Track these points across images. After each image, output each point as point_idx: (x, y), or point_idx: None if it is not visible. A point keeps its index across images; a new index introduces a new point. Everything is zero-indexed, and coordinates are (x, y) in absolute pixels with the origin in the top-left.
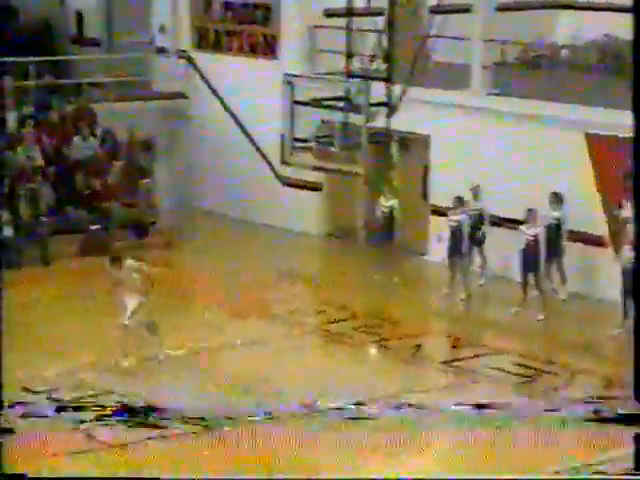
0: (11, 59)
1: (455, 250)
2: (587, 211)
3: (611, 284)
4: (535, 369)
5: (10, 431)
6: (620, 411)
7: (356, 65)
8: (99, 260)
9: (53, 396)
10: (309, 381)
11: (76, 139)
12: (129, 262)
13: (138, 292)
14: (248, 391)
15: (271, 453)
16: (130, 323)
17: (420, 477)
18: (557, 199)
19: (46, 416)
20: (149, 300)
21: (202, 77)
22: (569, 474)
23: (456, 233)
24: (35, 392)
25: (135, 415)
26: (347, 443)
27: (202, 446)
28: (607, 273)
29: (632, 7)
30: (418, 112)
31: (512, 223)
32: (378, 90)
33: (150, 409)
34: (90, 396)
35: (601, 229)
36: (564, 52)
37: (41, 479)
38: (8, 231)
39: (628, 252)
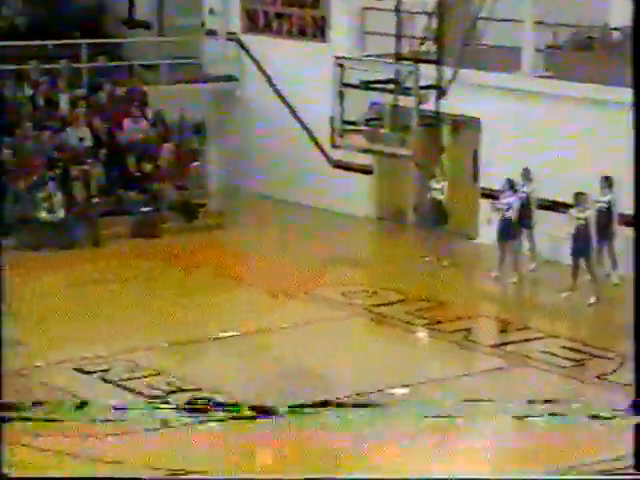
0: (64, 41)
1: (505, 233)
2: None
3: None
4: (586, 353)
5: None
6: None
7: (406, 47)
8: (149, 242)
9: (106, 377)
10: (359, 365)
11: (127, 121)
12: None
13: None
14: (297, 375)
15: (320, 442)
16: None
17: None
18: (608, 182)
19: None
20: None
21: (252, 60)
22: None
23: (506, 216)
24: (87, 372)
25: (186, 398)
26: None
27: (247, 432)
28: None
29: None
30: (468, 95)
31: (563, 207)
32: (428, 72)
33: (200, 392)
34: (142, 377)
35: None
36: (617, 34)
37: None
38: (60, 212)
39: None
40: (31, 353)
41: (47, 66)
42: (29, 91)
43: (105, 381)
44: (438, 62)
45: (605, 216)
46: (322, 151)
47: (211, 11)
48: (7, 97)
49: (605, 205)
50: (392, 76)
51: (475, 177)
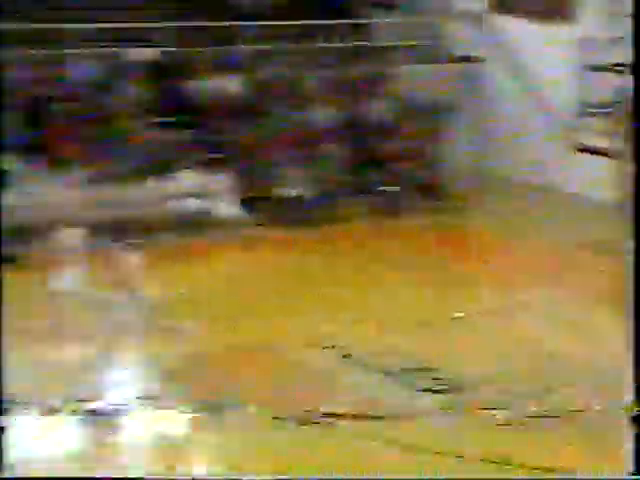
0: (307, 22)
1: None
2: None
3: None
4: None
5: None
6: None
7: None
8: (388, 222)
9: (344, 354)
10: (597, 349)
11: (370, 101)
12: None
13: None
14: (539, 357)
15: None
16: None
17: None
18: None
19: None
20: None
21: (496, 41)
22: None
23: None
24: (326, 348)
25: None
26: None
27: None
28: None
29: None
30: None
31: None
32: None
33: (438, 372)
34: (377, 354)
35: None
36: None
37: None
38: (301, 190)
39: None
40: (262, 329)
41: (293, 46)
42: (274, 70)
43: (345, 357)
44: None
45: None
46: (565, 134)
47: None
48: (254, 77)
49: None
50: None
51: None
